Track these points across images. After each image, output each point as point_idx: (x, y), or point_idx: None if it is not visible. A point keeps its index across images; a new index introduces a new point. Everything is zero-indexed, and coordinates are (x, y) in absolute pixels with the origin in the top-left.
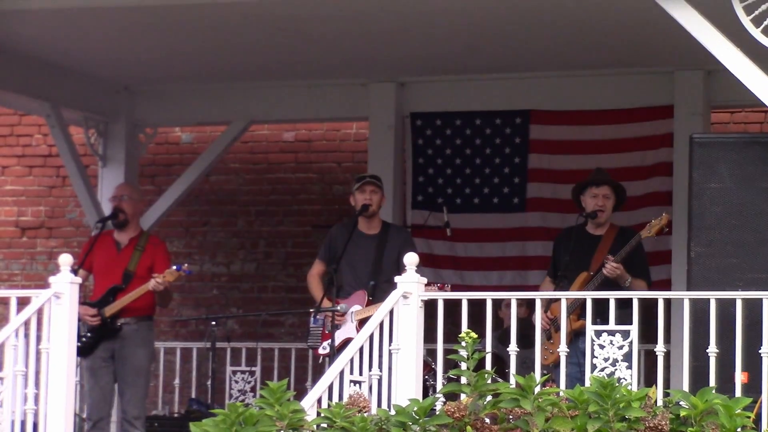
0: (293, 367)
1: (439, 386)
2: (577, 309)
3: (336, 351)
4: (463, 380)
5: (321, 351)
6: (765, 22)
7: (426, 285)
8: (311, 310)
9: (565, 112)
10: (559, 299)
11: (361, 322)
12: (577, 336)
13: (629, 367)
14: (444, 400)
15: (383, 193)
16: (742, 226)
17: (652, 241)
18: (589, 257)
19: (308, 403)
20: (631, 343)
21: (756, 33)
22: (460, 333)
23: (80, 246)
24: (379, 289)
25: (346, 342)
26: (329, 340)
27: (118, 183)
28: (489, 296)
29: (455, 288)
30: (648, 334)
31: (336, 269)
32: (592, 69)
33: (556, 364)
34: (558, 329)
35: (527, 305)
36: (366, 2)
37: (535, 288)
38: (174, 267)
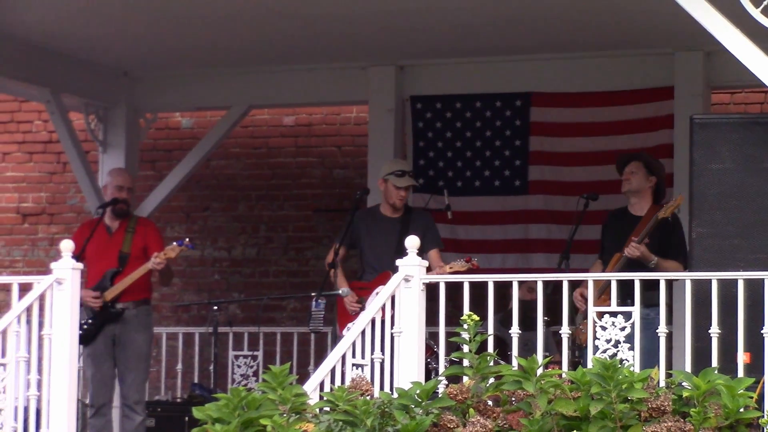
0: (295, 351)
1: (441, 369)
2: (607, 289)
3: None
4: (466, 363)
5: (345, 332)
6: (764, 2)
7: (451, 264)
8: (313, 294)
9: (566, 95)
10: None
11: None
12: None
13: (631, 348)
14: (446, 382)
15: None
16: (743, 206)
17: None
18: (627, 238)
19: (311, 386)
20: (633, 324)
21: (755, 13)
22: (461, 316)
23: None
24: None
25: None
26: (352, 322)
27: (118, 170)
28: (491, 278)
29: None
30: None
31: (338, 248)
32: (593, 51)
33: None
34: None
35: (528, 288)
36: None
37: (538, 270)
38: (175, 243)
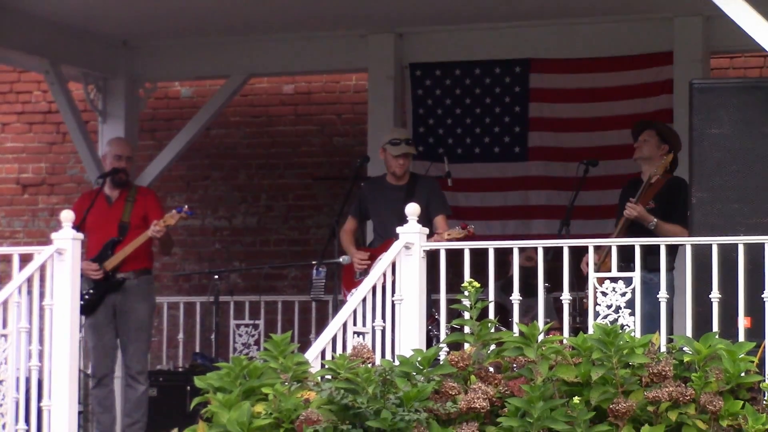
0: (297, 319)
1: (442, 336)
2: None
3: None
4: (467, 330)
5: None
6: None
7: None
8: (314, 263)
9: (565, 60)
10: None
11: None
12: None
13: (632, 313)
14: (448, 350)
15: None
16: (743, 171)
17: None
18: None
19: (312, 355)
20: (633, 290)
21: None
22: (462, 283)
23: None
24: None
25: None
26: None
27: (117, 139)
28: (491, 245)
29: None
30: None
31: (337, 218)
32: (592, 16)
33: None
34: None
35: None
36: None
37: (538, 237)
38: (174, 210)
